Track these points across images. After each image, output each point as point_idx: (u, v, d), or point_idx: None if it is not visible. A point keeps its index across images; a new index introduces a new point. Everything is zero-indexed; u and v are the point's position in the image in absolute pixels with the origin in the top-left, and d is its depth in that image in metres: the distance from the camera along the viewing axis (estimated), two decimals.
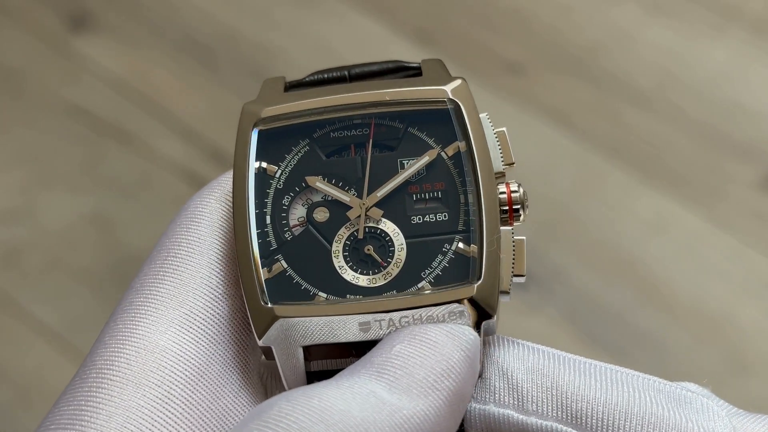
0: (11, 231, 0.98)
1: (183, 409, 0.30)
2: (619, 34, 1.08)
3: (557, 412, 0.32)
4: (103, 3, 1.12)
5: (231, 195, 0.34)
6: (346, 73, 0.35)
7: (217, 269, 0.33)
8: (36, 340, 0.91)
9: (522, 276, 0.33)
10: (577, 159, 0.99)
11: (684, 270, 0.93)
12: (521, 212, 0.33)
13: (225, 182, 0.35)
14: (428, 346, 0.31)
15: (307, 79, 0.35)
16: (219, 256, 0.33)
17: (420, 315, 0.32)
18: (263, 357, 0.34)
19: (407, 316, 0.32)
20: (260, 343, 0.32)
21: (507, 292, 0.33)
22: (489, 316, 0.32)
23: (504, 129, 0.34)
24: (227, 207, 0.34)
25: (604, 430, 0.31)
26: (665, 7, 1.09)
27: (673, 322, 0.91)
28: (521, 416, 0.32)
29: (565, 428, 0.32)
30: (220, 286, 0.33)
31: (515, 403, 0.32)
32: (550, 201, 0.96)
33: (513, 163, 0.34)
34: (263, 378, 0.34)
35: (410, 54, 1.04)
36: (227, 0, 1.12)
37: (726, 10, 1.08)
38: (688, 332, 0.90)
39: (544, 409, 0.32)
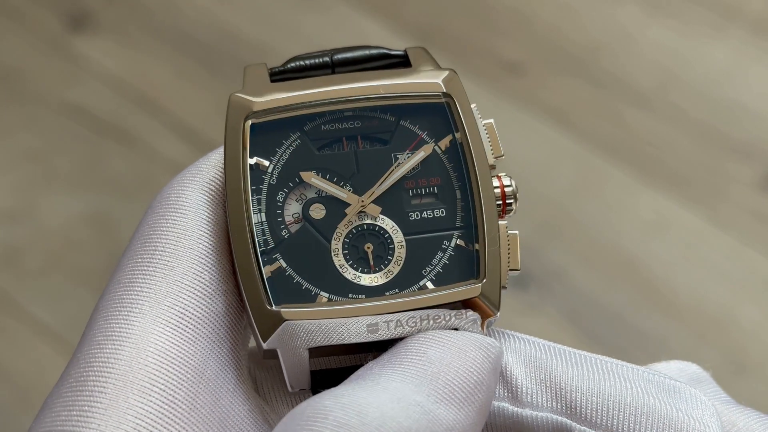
0: (11, 231, 0.98)
1: (187, 412, 0.29)
2: (619, 34, 1.07)
3: (552, 403, 0.32)
4: (103, 3, 1.12)
5: (212, 185, 0.33)
6: (328, 59, 0.34)
7: (207, 264, 0.31)
8: (36, 340, 0.91)
9: (517, 270, 0.32)
10: (577, 159, 0.99)
11: (684, 270, 0.93)
12: (513, 206, 0.33)
13: (204, 170, 0.33)
14: (462, 356, 0.30)
15: (289, 65, 0.34)
16: (208, 250, 0.31)
17: (428, 315, 0.31)
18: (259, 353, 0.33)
19: (414, 317, 0.31)
20: (265, 346, 0.31)
21: (504, 287, 0.32)
22: (492, 314, 0.32)
23: (492, 120, 0.33)
24: (209, 197, 0.33)
25: (599, 419, 0.31)
26: (665, 7, 1.09)
27: (673, 322, 0.91)
28: (516, 408, 0.32)
29: (560, 418, 0.32)
30: (213, 282, 0.31)
31: (509, 395, 0.32)
32: (550, 201, 0.96)
33: (503, 155, 0.33)
34: (251, 372, 0.33)
35: None
36: (227, 0, 1.12)
37: (726, 10, 1.08)
38: (688, 332, 0.90)
39: (539, 400, 0.32)
